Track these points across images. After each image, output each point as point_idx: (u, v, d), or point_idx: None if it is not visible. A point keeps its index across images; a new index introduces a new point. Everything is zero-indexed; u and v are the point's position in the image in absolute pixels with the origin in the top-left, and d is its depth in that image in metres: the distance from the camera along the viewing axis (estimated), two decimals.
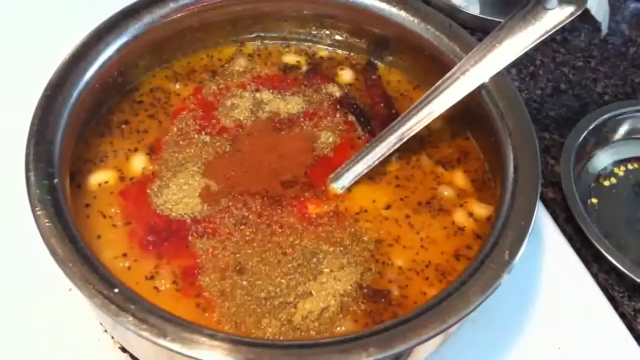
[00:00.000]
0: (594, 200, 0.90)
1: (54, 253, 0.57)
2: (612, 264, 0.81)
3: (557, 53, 1.09)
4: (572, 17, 0.68)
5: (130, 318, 0.54)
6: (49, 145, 0.64)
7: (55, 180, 0.62)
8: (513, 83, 0.75)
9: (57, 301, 0.75)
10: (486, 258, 0.61)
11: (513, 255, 0.61)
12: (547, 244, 0.86)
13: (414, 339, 0.55)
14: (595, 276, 0.84)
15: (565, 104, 1.02)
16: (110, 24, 0.74)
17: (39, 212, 0.59)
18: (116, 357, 0.73)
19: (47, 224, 0.58)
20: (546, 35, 0.70)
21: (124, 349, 0.73)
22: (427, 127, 0.74)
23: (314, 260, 0.68)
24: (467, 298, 0.58)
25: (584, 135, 0.91)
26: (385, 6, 0.82)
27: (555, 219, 0.89)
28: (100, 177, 0.73)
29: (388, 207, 0.73)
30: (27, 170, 0.62)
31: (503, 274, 0.59)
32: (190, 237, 0.69)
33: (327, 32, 0.88)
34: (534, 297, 0.82)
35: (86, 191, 0.71)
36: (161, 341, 0.53)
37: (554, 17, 0.69)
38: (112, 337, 0.74)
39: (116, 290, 0.55)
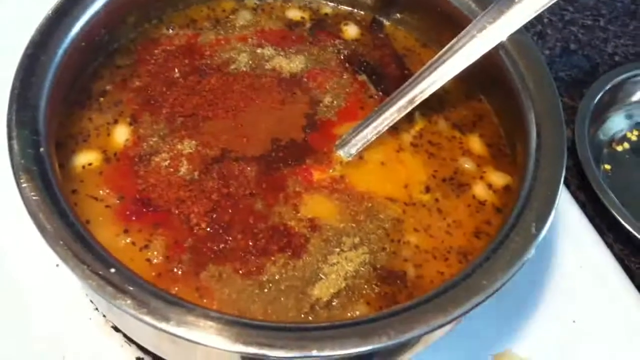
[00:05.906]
0: (607, 167, 0.87)
1: (42, 229, 0.52)
2: (630, 233, 0.78)
3: (565, 11, 1.04)
4: None
5: (129, 301, 0.49)
6: (33, 110, 0.58)
7: (42, 149, 0.56)
8: (534, 42, 0.69)
9: (43, 277, 0.71)
10: (511, 231, 0.56)
11: (540, 228, 0.57)
12: (560, 212, 0.82)
13: (435, 321, 0.51)
14: (610, 247, 0.80)
15: (576, 65, 0.97)
16: None
17: (24, 184, 0.53)
18: (109, 338, 0.69)
19: (34, 197, 0.53)
20: None
21: (117, 329, 0.69)
22: (441, 87, 0.68)
23: (323, 237, 0.63)
24: (493, 275, 0.54)
25: (598, 97, 0.86)
26: None
27: (568, 185, 0.86)
28: (84, 159, 0.65)
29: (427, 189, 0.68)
30: (10, 138, 0.56)
31: (531, 248, 0.55)
32: (180, 209, 0.62)
33: None
34: (546, 269, 0.78)
35: (71, 174, 0.64)
36: (164, 326, 0.49)
37: None
38: (104, 316, 0.69)
39: (113, 270, 0.50)
